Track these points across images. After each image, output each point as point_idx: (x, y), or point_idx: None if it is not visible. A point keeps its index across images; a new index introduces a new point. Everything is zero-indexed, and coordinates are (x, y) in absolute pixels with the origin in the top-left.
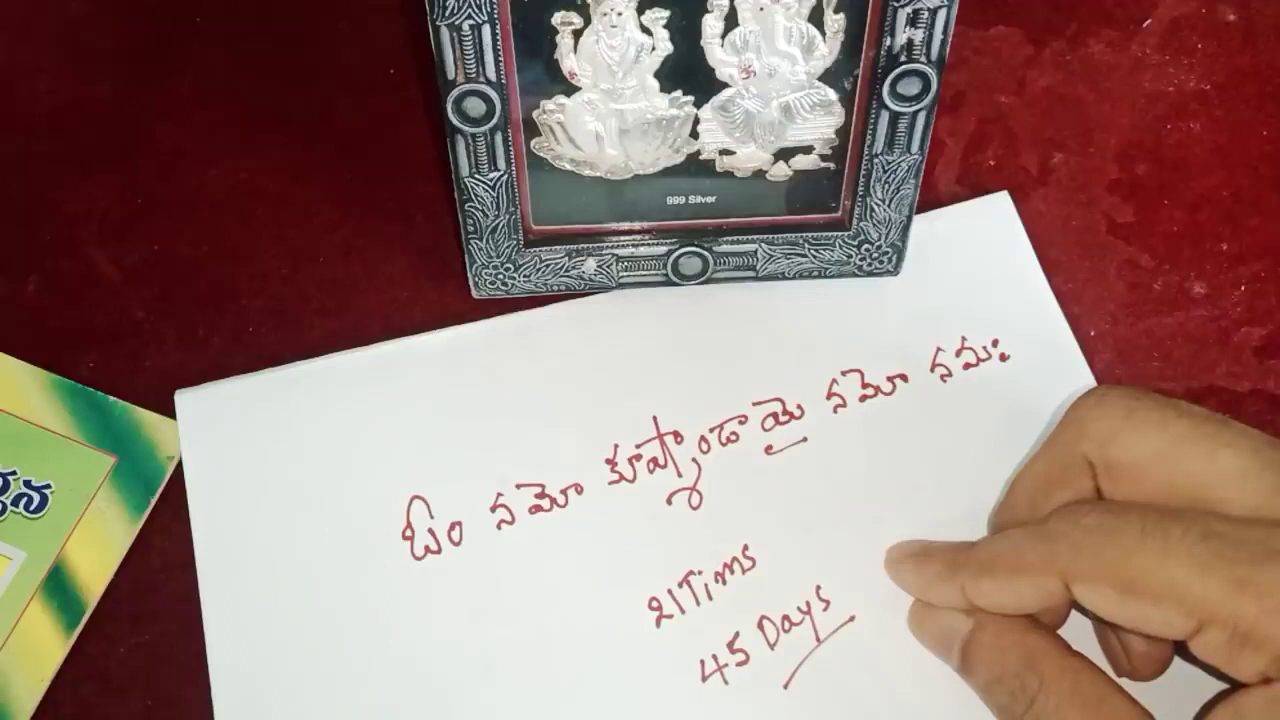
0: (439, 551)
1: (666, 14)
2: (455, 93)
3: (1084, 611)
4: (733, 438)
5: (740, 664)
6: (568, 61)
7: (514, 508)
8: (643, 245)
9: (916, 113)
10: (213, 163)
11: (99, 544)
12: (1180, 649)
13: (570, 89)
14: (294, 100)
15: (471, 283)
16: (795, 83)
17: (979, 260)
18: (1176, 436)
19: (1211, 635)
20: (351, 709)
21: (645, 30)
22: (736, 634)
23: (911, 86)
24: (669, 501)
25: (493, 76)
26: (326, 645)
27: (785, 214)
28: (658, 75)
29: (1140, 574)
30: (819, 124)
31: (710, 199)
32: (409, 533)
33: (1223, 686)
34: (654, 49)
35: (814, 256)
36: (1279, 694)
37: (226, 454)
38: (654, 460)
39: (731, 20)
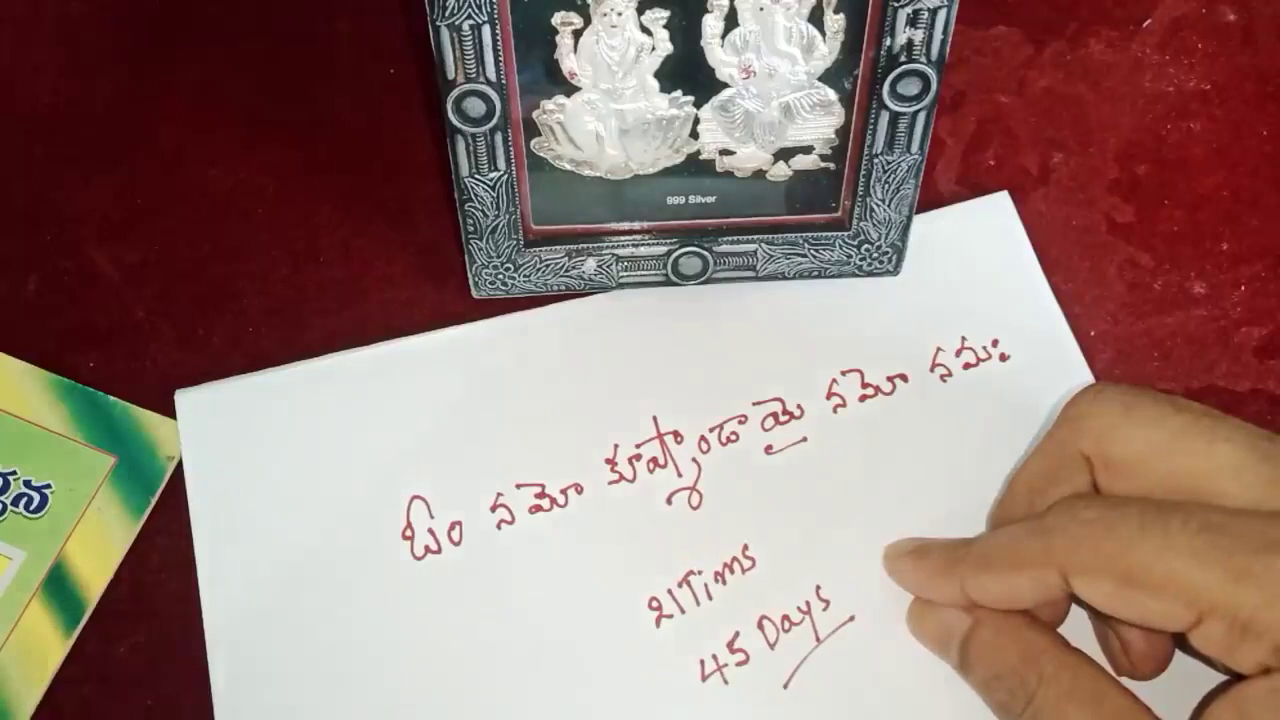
0: (439, 551)
1: (666, 14)
2: (455, 93)
3: (1083, 606)
4: (733, 438)
5: (740, 664)
6: (568, 61)
7: (514, 508)
8: (643, 245)
9: (916, 113)
10: (213, 163)
11: (99, 544)
12: (1180, 641)
13: (570, 89)
14: (294, 100)
15: (471, 283)
16: (795, 83)
17: (979, 260)
18: (1174, 431)
19: (1211, 626)
20: (351, 708)
21: (645, 30)
22: (736, 634)
23: (911, 86)
24: (669, 501)
25: (493, 76)
26: (326, 645)
27: (785, 214)
28: (658, 75)
29: (1140, 566)
30: (819, 124)
31: (710, 199)
32: (409, 533)
33: (1220, 680)
34: (654, 49)
35: (814, 256)
36: (1279, 684)
37: (226, 454)
38: (654, 460)
39: (731, 20)
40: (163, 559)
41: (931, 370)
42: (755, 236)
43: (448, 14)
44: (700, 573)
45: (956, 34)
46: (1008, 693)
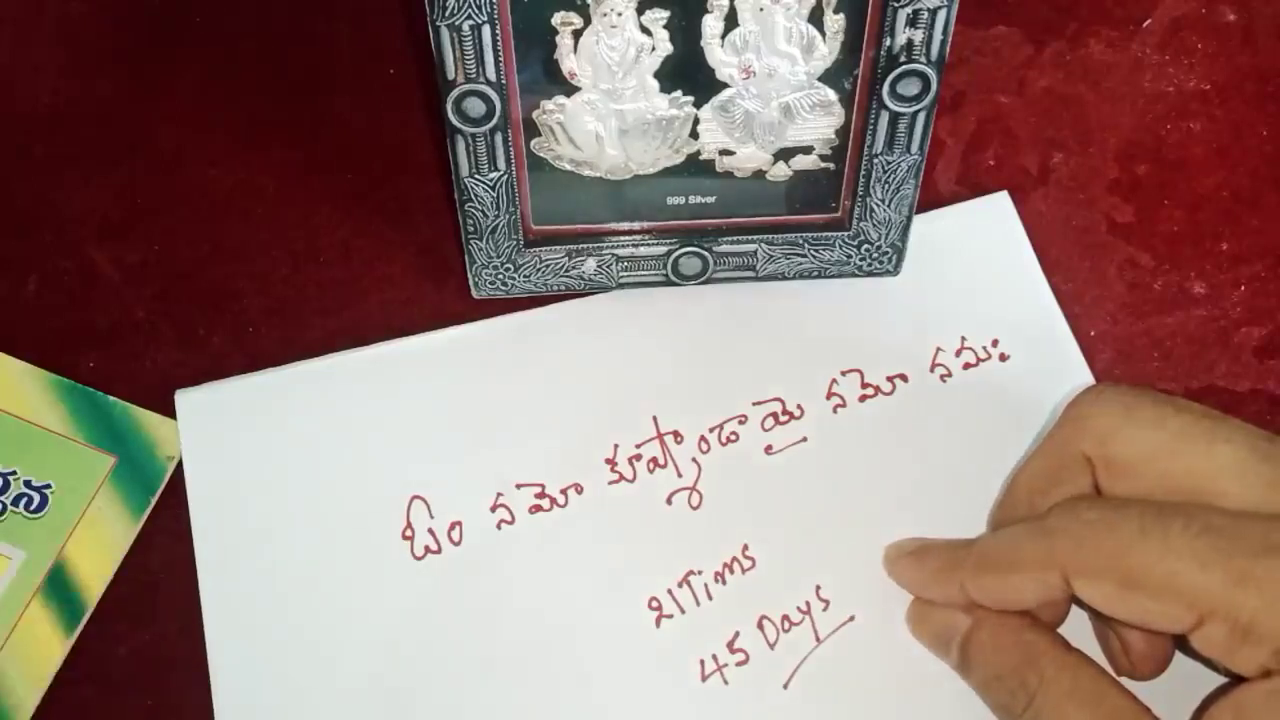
0: (439, 551)
1: (666, 14)
2: (455, 93)
3: (1084, 607)
4: (733, 438)
5: (740, 664)
6: (568, 62)
7: (514, 508)
8: (643, 245)
9: (916, 113)
10: (213, 163)
11: (99, 544)
12: (1180, 643)
13: (570, 89)
14: (294, 100)
15: (471, 283)
16: (795, 83)
17: (979, 260)
18: (1174, 432)
19: (1212, 629)
20: (351, 709)
21: (645, 30)
22: (736, 634)
23: (911, 87)
24: (669, 501)
25: (493, 76)
26: (326, 645)
27: (785, 214)
28: (658, 75)
29: (1140, 568)
30: (819, 124)
31: (710, 199)
32: (409, 533)
33: (1220, 682)
34: (654, 49)
35: (814, 256)
36: (1279, 687)
37: (226, 454)
38: (654, 460)
39: (731, 20)
40: (163, 559)
41: (931, 370)
42: (755, 236)
43: (448, 14)
44: (700, 573)
45: (956, 34)
46: (1008, 693)
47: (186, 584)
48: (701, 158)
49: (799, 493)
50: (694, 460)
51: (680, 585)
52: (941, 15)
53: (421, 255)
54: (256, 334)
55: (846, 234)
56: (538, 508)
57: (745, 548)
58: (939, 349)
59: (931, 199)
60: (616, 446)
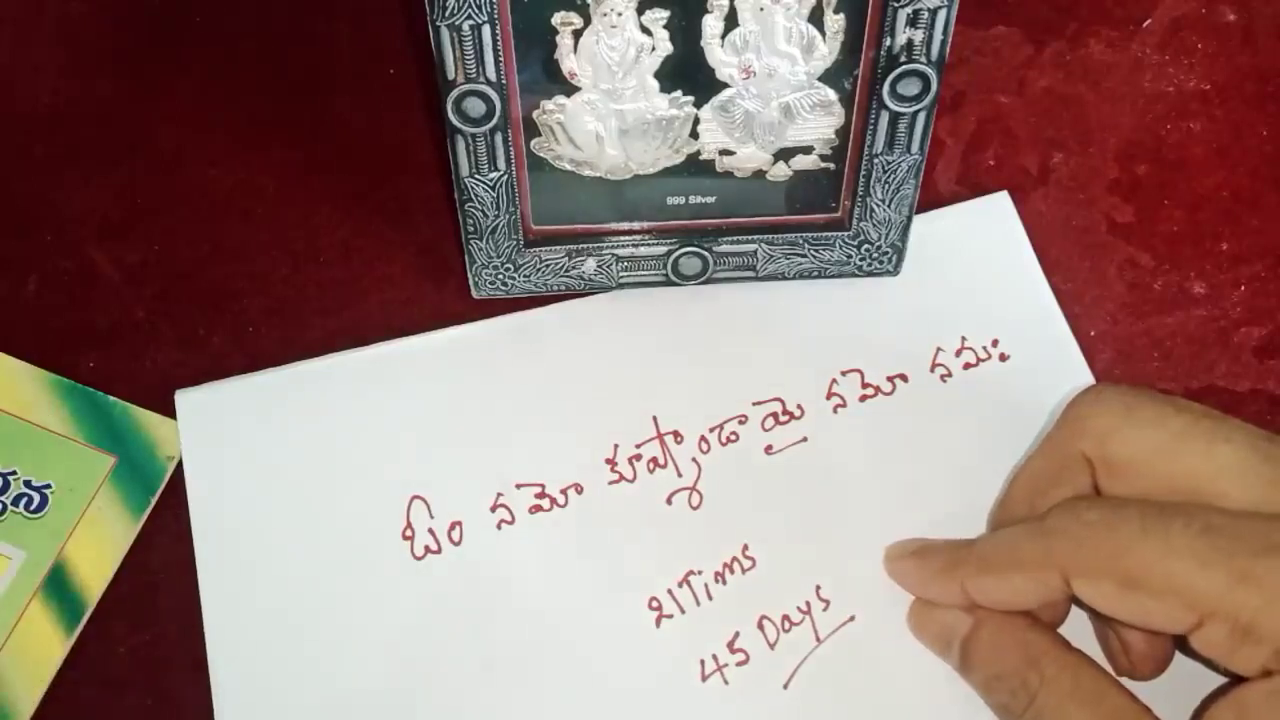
0: (439, 551)
1: (666, 14)
2: (455, 93)
3: (1084, 607)
4: (733, 438)
5: (740, 664)
6: (568, 62)
7: (514, 508)
8: (643, 245)
9: (916, 113)
10: (213, 163)
11: (99, 544)
12: (1180, 643)
13: (570, 89)
14: (294, 100)
15: (471, 283)
16: (795, 83)
17: (979, 260)
18: (1174, 432)
19: (1213, 629)
20: (351, 709)
21: (645, 30)
22: (736, 634)
23: (911, 87)
24: (669, 501)
25: (493, 76)
26: (326, 645)
27: (785, 214)
28: (658, 75)
29: (1141, 569)
30: (819, 124)
31: (710, 199)
32: (409, 533)
33: (1220, 682)
34: (654, 49)
35: (814, 256)
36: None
37: (226, 454)
38: (654, 460)
39: (731, 20)
40: (163, 559)
41: (931, 370)
42: (755, 236)
43: (448, 14)
44: (700, 573)
45: (956, 34)
46: (1009, 693)
47: (186, 584)
48: (701, 158)
49: (799, 493)
50: (694, 460)
51: (680, 585)
52: (941, 15)
53: (421, 255)
54: (256, 334)
55: (846, 234)
56: (538, 508)
57: (745, 548)
58: (939, 349)
59: (931, 199)
60: (616, 446)
